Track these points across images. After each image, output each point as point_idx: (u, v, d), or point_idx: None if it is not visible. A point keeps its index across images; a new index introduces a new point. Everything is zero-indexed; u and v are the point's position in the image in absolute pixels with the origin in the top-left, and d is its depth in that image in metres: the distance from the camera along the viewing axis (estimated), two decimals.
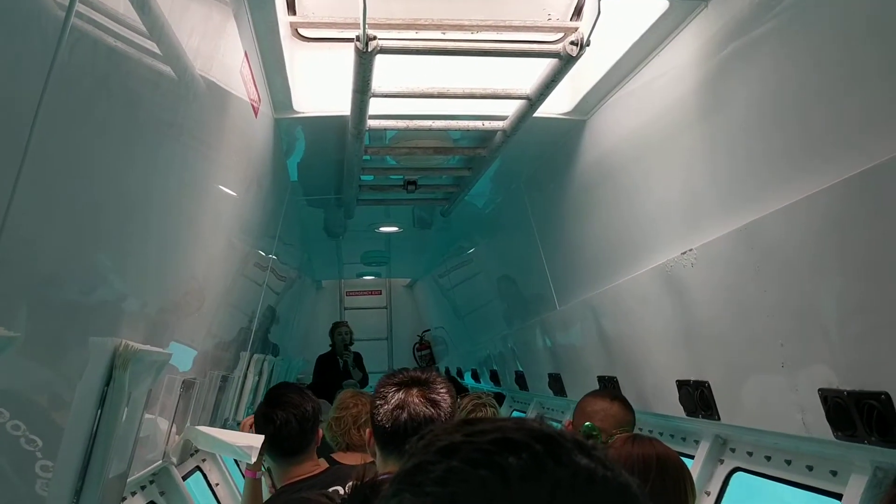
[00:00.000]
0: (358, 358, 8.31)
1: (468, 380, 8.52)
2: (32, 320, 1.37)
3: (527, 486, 0.63)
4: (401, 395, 2.04)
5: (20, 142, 1.10)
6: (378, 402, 2.07)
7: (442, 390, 2.08)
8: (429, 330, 10.59)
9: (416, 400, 2.03)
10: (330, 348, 8.23)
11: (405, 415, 2.00)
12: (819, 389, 2.10)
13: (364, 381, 8.10)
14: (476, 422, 0.71)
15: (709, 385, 2.75)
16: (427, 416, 2.01)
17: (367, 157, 3.69)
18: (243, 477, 4.17)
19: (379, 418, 2.03)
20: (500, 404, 6.37)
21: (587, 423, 2.91)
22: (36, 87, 1.11)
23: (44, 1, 1.09)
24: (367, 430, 2.14)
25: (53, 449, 1.58)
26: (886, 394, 1.86)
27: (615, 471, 0.67)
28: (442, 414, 2.04)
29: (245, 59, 2.41)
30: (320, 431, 2.90)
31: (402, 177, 4.33)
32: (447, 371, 8.86)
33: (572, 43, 2.41)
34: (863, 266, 1.87)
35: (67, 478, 1.68)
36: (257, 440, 2.63)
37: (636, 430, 3.67)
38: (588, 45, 2.40)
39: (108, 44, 1.31)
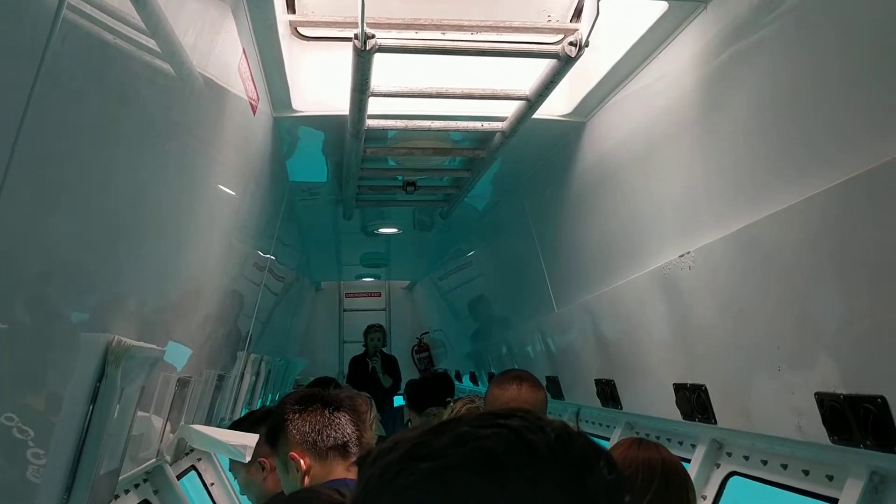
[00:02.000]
0: (392, 362, 8.30)
1: (466, 382, 8.52)
2: (24, 315, 1.36)
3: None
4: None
5: (9, 135, 1.10)
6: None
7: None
8: (427, 332, 10.58)
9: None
10: (363, 349, 8.27)
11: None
12: (815, 393, 2.09)
13: (394, 388, 8.08)
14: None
15: (706, 388, 2.74)
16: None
17: (367, 158, 3.69)
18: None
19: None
20: None
21: None
22: (26, 79, 1.10)
23: None
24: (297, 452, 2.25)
25: (45, 444, 1.57)
26: (883, 398, 1.85)
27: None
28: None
29: (243, 57, 2.41)
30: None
31: (401, 178, 4.33)
32: (445, 372, 8.84)
33: (571, 44, 2.41)
34: (861, 269, 1.86)
35: (58, 473, 1.67)
36: (252, 439, 2.63)
37: (635, 434, 3.67)
38: (587, 45, 2.39)
39: (101, 37, 1.30)
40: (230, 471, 3.16)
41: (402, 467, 0.64)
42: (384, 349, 8.43)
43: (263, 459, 2.84)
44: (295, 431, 2.21)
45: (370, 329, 8.40)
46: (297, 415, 2.24)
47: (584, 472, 0.64)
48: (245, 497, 2.96)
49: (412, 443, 0.66)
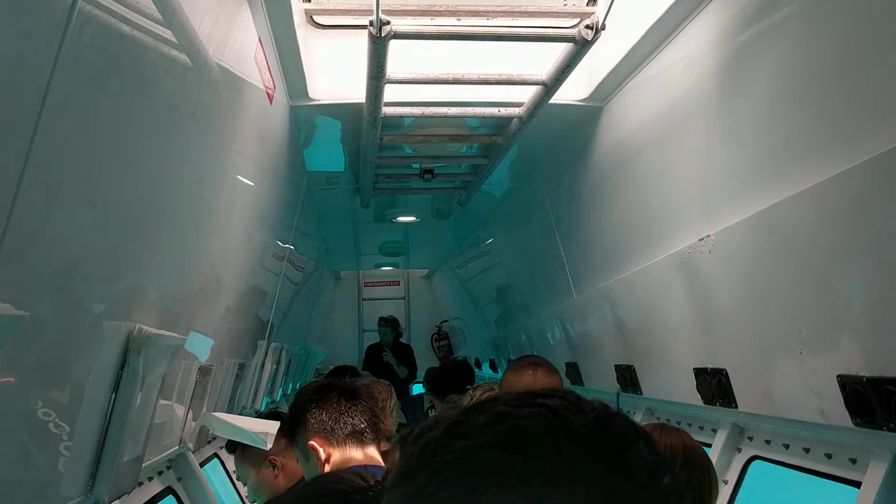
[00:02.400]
0: (407, 351, 8.35)
1: (486, 369, 8.53)
2: (46, 304, 1.38)
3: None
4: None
5: (28, 126, 1.11)
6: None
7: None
8: (447, 320, 10.60)
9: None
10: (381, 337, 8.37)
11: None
12: (838, 376, 2.07)
13: (410, 378, 8.13)
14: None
15: (726, 373, 2.72)
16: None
17: (384, 146, 3.69)
18: None
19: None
20: None
21: None
22: (45, 68, 1.11)
23: None
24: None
25: (69, 431, 1.60)
26: None
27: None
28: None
29: (259, 46, 2.41)
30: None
31: (418, 165, 4.33)
32: (465, 359, 8.86)
33: (587, 27, 2.39)
34: (882, 250, 1.83)
35: (82, 460, 1.69)
36: (273, 426, 2.65)
37: (656, 420, 3.66)
38: (603, 28, 2.38)
39: (117, 27, 1.31)
40: (238, 479, 3.17)
41: (440, 445, 0.64)
42: (401, 339, 8.46)
43: (274, 458, 2.86)
44: (313, 421, 2.24)
45: (378, 321, 8.47)
46: (314, 405, 2.26)
47: (623, 451, 0.64)
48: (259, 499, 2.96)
49: (451, 421, 0.66)
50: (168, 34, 1.57)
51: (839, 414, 2.11)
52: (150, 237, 1.86)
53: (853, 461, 2.33)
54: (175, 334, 2.03)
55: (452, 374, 5.64)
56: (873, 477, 2.17)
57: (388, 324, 8.39)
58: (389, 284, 11.00)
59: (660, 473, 0.65)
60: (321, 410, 2.25)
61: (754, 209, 2.28)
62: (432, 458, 0.63)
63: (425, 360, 10.08)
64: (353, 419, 2.25)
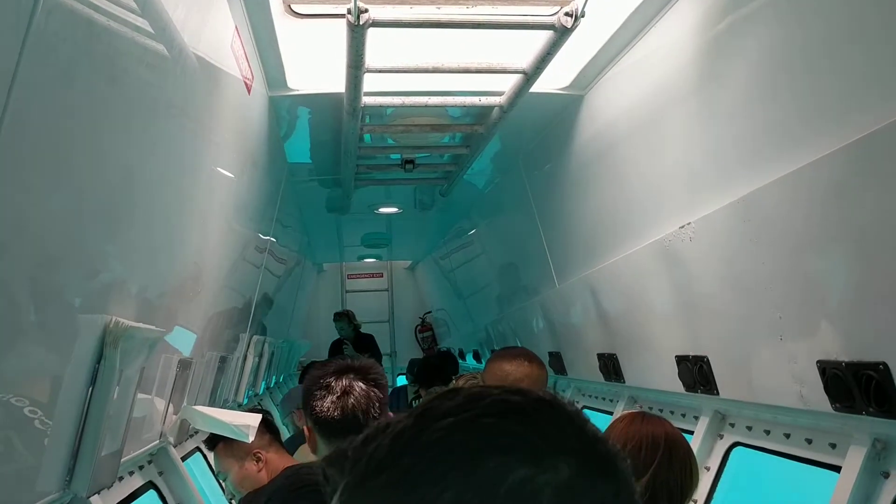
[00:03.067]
0: (369, 340, 8.37)
1: (469, 360, 8.54)
2: (20, 297, 1.35)
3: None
4: (343, 382, 2.10)
5: None
6: (318, 392, 2.10)
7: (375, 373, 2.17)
8: (430, 312, 10.60)
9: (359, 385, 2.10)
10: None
11: (352, 400, 2.07)
12: (817, 361, 2.09)
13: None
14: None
15: (707, 360, 2.74)
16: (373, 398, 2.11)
17: (365, 136, 3.67)
18: None
19: (325, 409, 2.07)
20: None
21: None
22: (10, 57, 1.08)
23: None
24: (306, 427, 2.17)
25: (45, 425, 1.58)
26: (885, 364, 1.85)
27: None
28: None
29: (236, 34, 2.38)
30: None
31: (399, 155, 4.31)
32: (449, 350, 8.86)
33: (567, 14, 2.38)
34: (861, 236, 1.84)
35: (60, 454, 1.67)
36: (254, 419, 2.63)
37: (638, 408, 3.68)
38: (583, 16, 2.37)
39: (87, 14, 1.28)
40: (218, 473, 3.13)
41: (419, 428, 0.62)
42: (360, 330, 8.43)
43: (258, 451, 2.85)
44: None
45: (333, 317, 8.47)
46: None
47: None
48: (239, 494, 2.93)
49: (419, 411, 0.65)
50: (141, 22, 1.54)
51: (819, 399, 2.12)
52: (127, 230, 1.83)
53: (833, 446, 2.35)
54: (153, 327, 2.01)
55: (437, 365, 5.66)
56: (853, 461, 2.18)
57: (343, 318, 8.40)
58: (373, 276, 10.99)
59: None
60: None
61: (734, 196, 2.29)
62: (415, 441, 0.62)
63: (409, 351, 10.07)
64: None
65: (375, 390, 2.13)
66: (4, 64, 1.07)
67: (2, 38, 1.06)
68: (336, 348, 8.26)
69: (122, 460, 2.15)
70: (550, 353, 4.80)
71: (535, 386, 2.81)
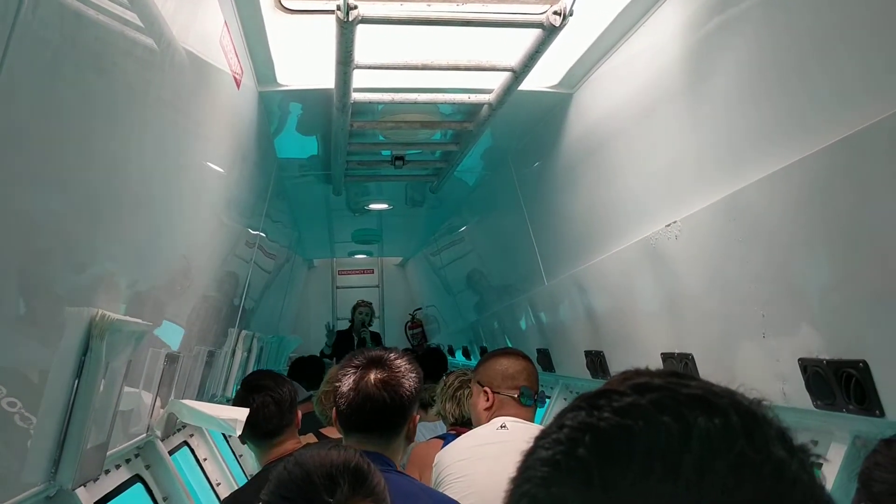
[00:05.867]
0: (376, 338, 8.43)
1: (459, 357, 8.56)
2: (5, 289, 1.36)
3: (706, 451, 0.58)
4: (357, 376, 2.12)
5: None
6: (337, 384, 2.15)
7: (400, 369, 2.15)
8: (420, 308, 10.61)
9: (373, 381, 2.10)
10: (349, 324, 8.37)
11: (360, 397, 2.09)
12: (799, 359, 2.11)
13: None
14: (685, 376, 0.67)
15: (692, 357, 2.76)
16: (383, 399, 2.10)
17: (355, 132, 3.67)
18: (231, 451, 4.20)
19: (338, 399, 2.13)
20: None
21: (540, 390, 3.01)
22: None
23: None
24: (333, 411, 2.19)
25: (31, 418, 1.58)
26: (864, 362, 1.87)
27: (812, 477, 0.62)
28: (405, 392, 2.13)
29: (225, 29, 2.39)
30: (299, 413, 2.94)
31: (390, 152, 4.31)
32: (438, 347, 8.87)
33: (555, 13, 2.40)
34: (843, 235, 1.87)
35: (45, 447, 1.68)
36: (241, 413, 2.64)
37: None
38: (571, 14, 2.38)
39: (73, 4, 1.28)
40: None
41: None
42: (370, 328, 8.50)
43: None
44: None
45: (358, 305, 8.51)
46: None
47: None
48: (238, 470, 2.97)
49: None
50: (129, 15, 1.55)
51: (801, 397, 2.15)
52: (115, 223, 1.84)
53: (814, 443, 2.37)
54: (139, 321, 2.02)
55: (428, 362, 5.66)
56: (834, 458, 2.21)
57: (370, 307, 8.50)
58: (363, 272, 10.99)
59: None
60: None
61: (720, 195, 2.31)
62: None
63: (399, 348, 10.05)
64: None
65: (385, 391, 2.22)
66: None
67: None
68: (347, 340, 8.28)
69: (109, 453, 2.16)
70: (539, 350, 4.82)
71: (531, 379, 2.95)
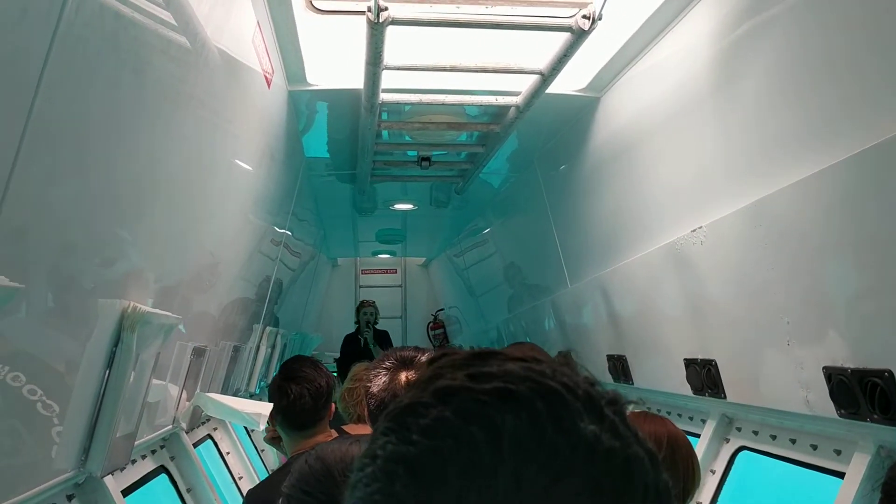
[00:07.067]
0: (384, 336, 8.39)
1: None
2: (42, 281, 1.40)
3: (519, 452, 0.57)
4: (388, 377, 2.13)
5: (24, 106, 1.12)
6: (367, 384, 2.16)
7: None
8: (443, 309, 10.61)
9: (404, 382, 2.11)
10: (356, 326, 8.35)
11: (391, 397, 2.09)
12: (823, 367, 2.10)
13: None
14: (487, 358, 0.66)
15: (715, 363, 2.75)
16: None
17: (382, 132, 3.70)
18: (253, 445, 4.24)
19: (368, 399, 2.14)
20: None
21: None
22: (41, 47, 1.12)
23: None
24: (363, 409, 2.23)
25: (63, 407, 1.62)
26: (890, 371, 1.86)
27: (625, 440, 0.60)
28: None
29: (258, 29, 2.42)
30: (333, 405, 2.92)
31: (416, 153, 4.34)
32: (460, 348, 8.86)
33: (584, 17, 2.40)
34: (870, 244, 1.86)
35: (75, 435, 1.72)
36: (265, 407, 2.67)
37: (646, 409, 3.69)
38: (600, 18, 2.39)
39: (114, 7, 1.32)
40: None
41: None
42: (376, 326, 8.46)
43: None
44: None
45: (362, 305, 8.46)
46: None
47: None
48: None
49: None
50: (166, 15, 1.58)
51: (825, 405, 2.14)
52: (147, 218, 1.87)
53: (838, 452, 2.36)
54: (169, 314, 2.05)
55: None
56: (856, 468, 2.20)
57: (374, 306, 8.43)
58: (386, 272, 11.01)
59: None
60: None
61: (746, 201, 2.31)
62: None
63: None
64: None
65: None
66: (36, 54, 1.11)
67: (34, 29, 1.10)
68: (353, 342, 8.27)
69: (136, 443, 2.20)
70: (560, 353, 4.81)
71: None
